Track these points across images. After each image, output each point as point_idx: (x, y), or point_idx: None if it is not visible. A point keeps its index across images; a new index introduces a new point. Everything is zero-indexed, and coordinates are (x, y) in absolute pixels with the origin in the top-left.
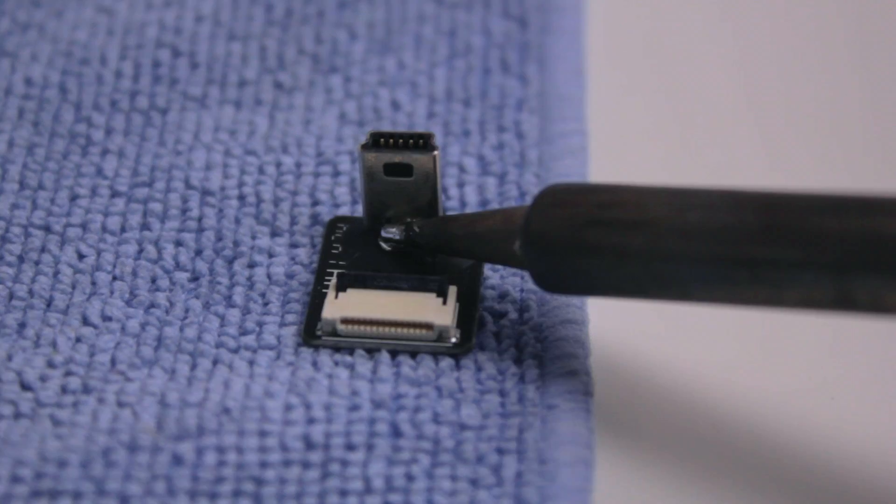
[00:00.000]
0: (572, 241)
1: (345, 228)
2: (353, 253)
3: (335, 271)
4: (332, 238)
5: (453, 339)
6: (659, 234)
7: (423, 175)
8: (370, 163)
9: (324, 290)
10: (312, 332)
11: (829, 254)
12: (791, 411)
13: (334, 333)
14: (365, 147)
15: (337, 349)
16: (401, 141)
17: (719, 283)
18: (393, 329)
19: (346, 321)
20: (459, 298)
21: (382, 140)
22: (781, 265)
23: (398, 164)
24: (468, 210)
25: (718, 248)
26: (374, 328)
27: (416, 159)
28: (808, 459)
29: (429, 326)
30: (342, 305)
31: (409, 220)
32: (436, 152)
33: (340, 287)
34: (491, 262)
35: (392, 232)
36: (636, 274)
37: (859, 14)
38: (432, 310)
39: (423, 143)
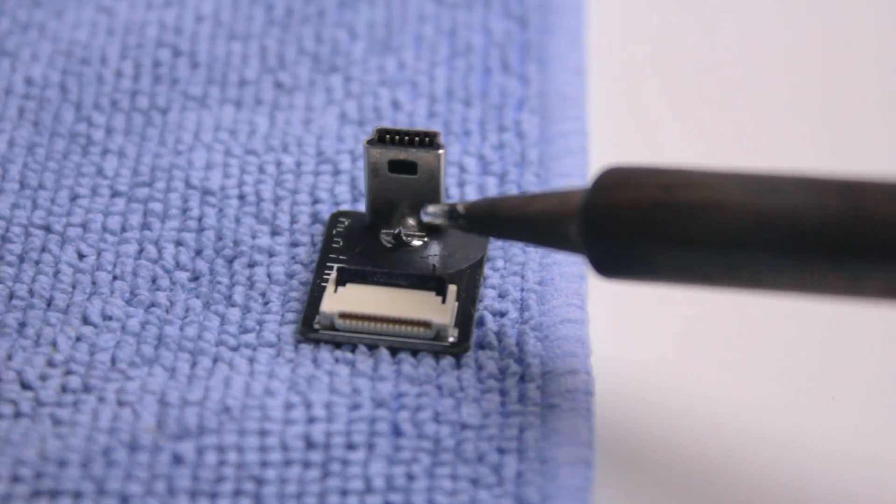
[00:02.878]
0: (637, 224)
1: (346, 223)
2: (353, 247)
3: (335, 265)
4: (334, 232)
5: (451, 338)
6: (731, 219)
7: (428, 173)
8: (375, 159)
9: (323, 284)
10: (310, 325)
11: None
12: (791, 411)
13: (332, 328)
14: (370, 143)
15: (335, 344)
16: (406, 138)
17: (795, 271)
18: (391, 326)
19: (344, 316)
20: (458, 298)
21: (388, 136)
22: (866, 253)
23: (403, 161)
24: None
25: (797, 234)
26: (373, 324)
27: (421, 157)
28: (809, 459)
29: (427, 325)
30: (341, 300)
31: (409, 221)
32: (441, 150)
33: (340, 281)
34: (542, 246)
35: (433, 213)
36: (705, 260)
37: (861, 16)
38: (431, 308)
39: (428, 140)
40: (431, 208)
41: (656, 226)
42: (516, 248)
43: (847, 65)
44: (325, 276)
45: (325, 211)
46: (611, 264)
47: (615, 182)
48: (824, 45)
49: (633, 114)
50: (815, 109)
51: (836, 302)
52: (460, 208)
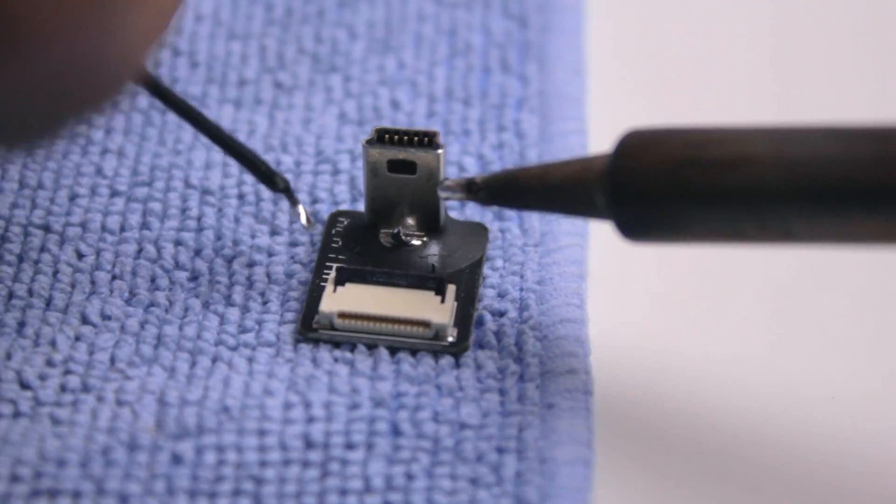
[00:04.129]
0: (666, 183)
1: (346, 222)
2: (353, 247)
3: (334, 265)
4: (333, 232)
5: (450, 338)
6: (762, 171)
7: (427, 173)
8: (374, 158)
9: (322, 284)
10: (309, 324)
11: None
12: (791, 410)
13: (331, 327)
14: (369, 142)
15: (334, 344)
16: (405, 138)
17: (828, 219)
18: (390, 325)
19: (343, 315)
20: (458, 297)
21: (387, 136)
22: None
23: (402, 160)
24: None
25: (829, 182)
26: (372, 324)
27: (421, 157)
28: (809, 459)
29: (426, 324)
30: (340, 299)
31: (408, 221)
32: (440, 150)
33: (339, 281)
34: (567, 213)
35: (450, 188)
36: (737, 215)
37: (862, 20)
38: (430, 308)
39: (428, 140)
40: (448, 182)
41: (685, 184)
42: (515, 248)
43: (849, 67)
44: (325, 276)
45: (325, 210)
46: (640, 228)
47: (639, 144)
48: (827, 45)
49: (632, 114)
50: (816, 110)
51: (870, 250)
52: (479, 180)
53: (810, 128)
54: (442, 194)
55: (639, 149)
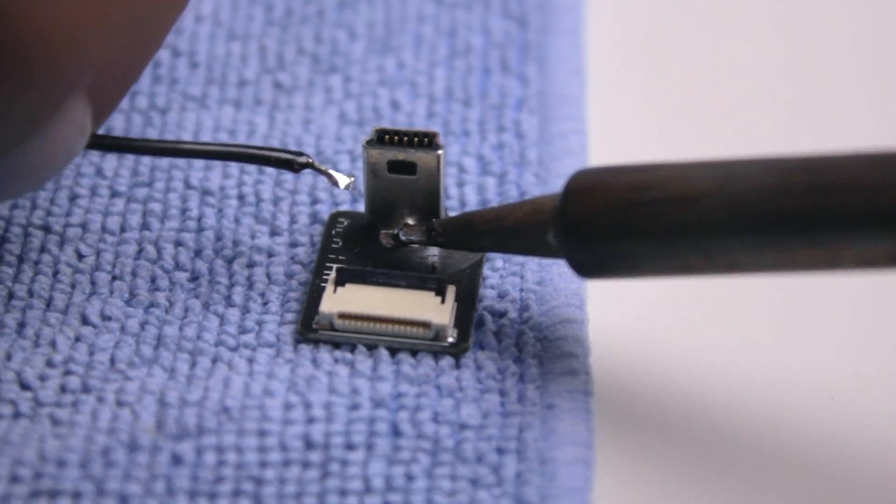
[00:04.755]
0: (613, 225)
1: (346, 223)
2: (353, 248)
3: (334, 265)
4: (333, 232)
5: (450, 339)
6: (704, 209)
7: (427, 173)
8: (374, 159)
9: (322, 284)
10: (309, 325)
11: (882, 207)
12: (791, 411)
13: (331, 328)
14: (370, 143)
15: (335, 344)
16: (405, 138)
17: (770, 250)
18: (390, 326)
19: (343, 316)
20: (458, 298)
21: (387, 137)
22: (834, 225)
23: (402, 161)
24: (468, 209)
25: (767, 214)
26: (372, 324)
27: (421, 157)
28: (808, 459)
29: (426, 325)
30: (340, 300)
31: (408, 221)
32: (440, 151)
33: (339, 282)
34: (522, 254)
35: (411, 233)
36: (684, 251)
37: (863, 21)
38: (430, 308)
39: (427, 141)
40: (408, 229)
41: (632, 225)
42: None
43: (850, 65)
44: (325, 277)
45: (325, 211)
46: (591, 266)
47: (586, 187)
48: (828, 44)
49: (632, 114)
50: (816, 110)
51: (817, 276)
52: (437, 226)
53: (749, 160)
54: (403, 238)
55: (585, 192)
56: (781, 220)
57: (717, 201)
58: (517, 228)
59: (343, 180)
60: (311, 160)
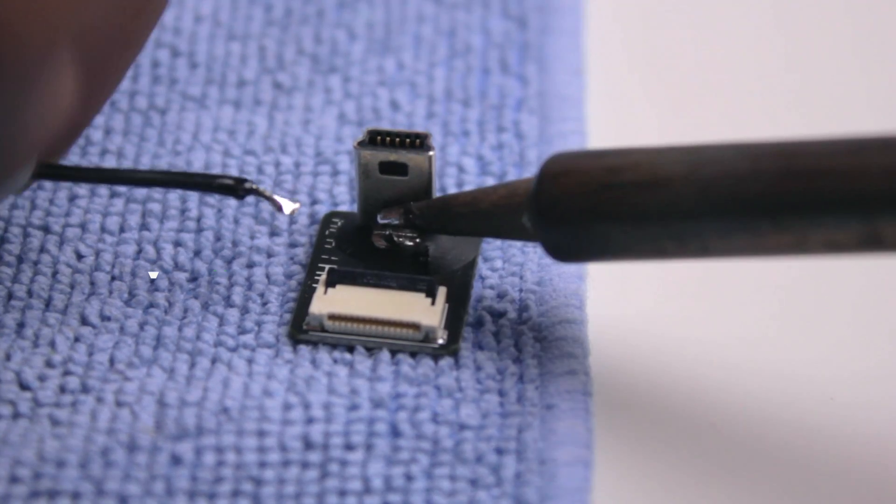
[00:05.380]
0: (586, 207)
1: (339, 223)
2: (346, 248)
3: (326, 266)
4: (326, 233)
5: (440, 340)
6: (676, 192)
7: (418, 175)
8: (366, 160)
9: (314, 285)
10: (300, 326)
11: (852, 192)
12: (791, 411)
13: (322, 329)
14: (361, 144)
15: (332, 345)
16: (397, 140)
17: (741, 234)
18: (381, 327)
19: (333, 317)
20: (449, 299)
21: (379, 138)
22: (803, 209)
23: (393, 162)
24: None
25: (738, 199)
26: (362, 325)
27: (412, 159)
28: (808, 459)
29: (416, 326)
30: (331, 301)
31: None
32: (431, 152)
33: (330, 283)
34: (498, 237)
35: (390, 218)
36: (655, 234)
37: (862, 20)
38: (420, 310)
39: (419, 142)
40: (386, 212)
41: (605, 208)
42: (515, 249)
43: (850, 65)
44: (317, 277)
45: (324, 211)
46: (565, 249)
47: (561, 170)
48: (828, 43)
49: (632, 114)
50: (817, 110)
51: (787, 260)
52: (415, 209)
53: (722, 145)
54: (381, 221)
55: (560, 175)
56: (751, 204)
57: (689, 185)
58: (492, 212)
59: (288, 206)
60: (254, 185)
